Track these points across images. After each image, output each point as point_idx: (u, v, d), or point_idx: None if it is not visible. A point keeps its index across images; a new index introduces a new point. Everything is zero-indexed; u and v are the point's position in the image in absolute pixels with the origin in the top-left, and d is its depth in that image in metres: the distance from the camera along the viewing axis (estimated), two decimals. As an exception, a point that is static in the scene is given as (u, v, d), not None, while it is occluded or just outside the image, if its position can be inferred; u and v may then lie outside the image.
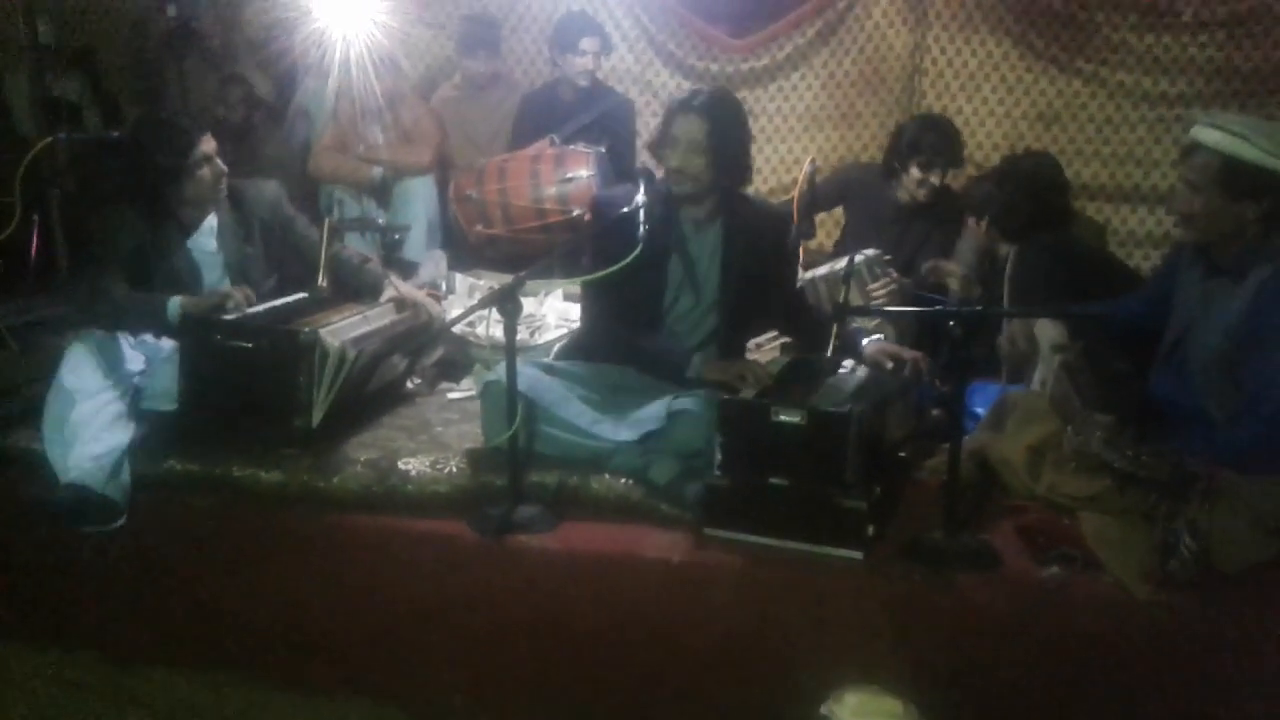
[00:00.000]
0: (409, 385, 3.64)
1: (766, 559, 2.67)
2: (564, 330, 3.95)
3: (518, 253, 4.57)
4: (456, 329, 3.67)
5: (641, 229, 2.91)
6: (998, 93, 5.07)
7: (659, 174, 3.26)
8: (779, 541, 2.68)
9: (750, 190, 3.44)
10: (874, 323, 3.62)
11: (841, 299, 3.16)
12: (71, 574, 3.07)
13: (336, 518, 2.96)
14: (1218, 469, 2.51)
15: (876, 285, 3.98)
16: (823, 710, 2.23)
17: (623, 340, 3.15)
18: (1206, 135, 2.67)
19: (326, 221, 3.66)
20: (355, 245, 4.37)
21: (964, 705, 2.54)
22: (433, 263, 4.73)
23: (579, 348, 3.30)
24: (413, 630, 2.88)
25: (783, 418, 2.64)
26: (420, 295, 3.69)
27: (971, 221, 3.98)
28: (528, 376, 2.94)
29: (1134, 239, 5.03)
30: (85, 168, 4.82)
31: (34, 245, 4.43)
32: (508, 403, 2.78)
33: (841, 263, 3.70)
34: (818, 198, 4.67)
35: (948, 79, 5.11)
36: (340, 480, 2.98)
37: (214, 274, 3.44)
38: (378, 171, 4.90)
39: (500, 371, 2.81)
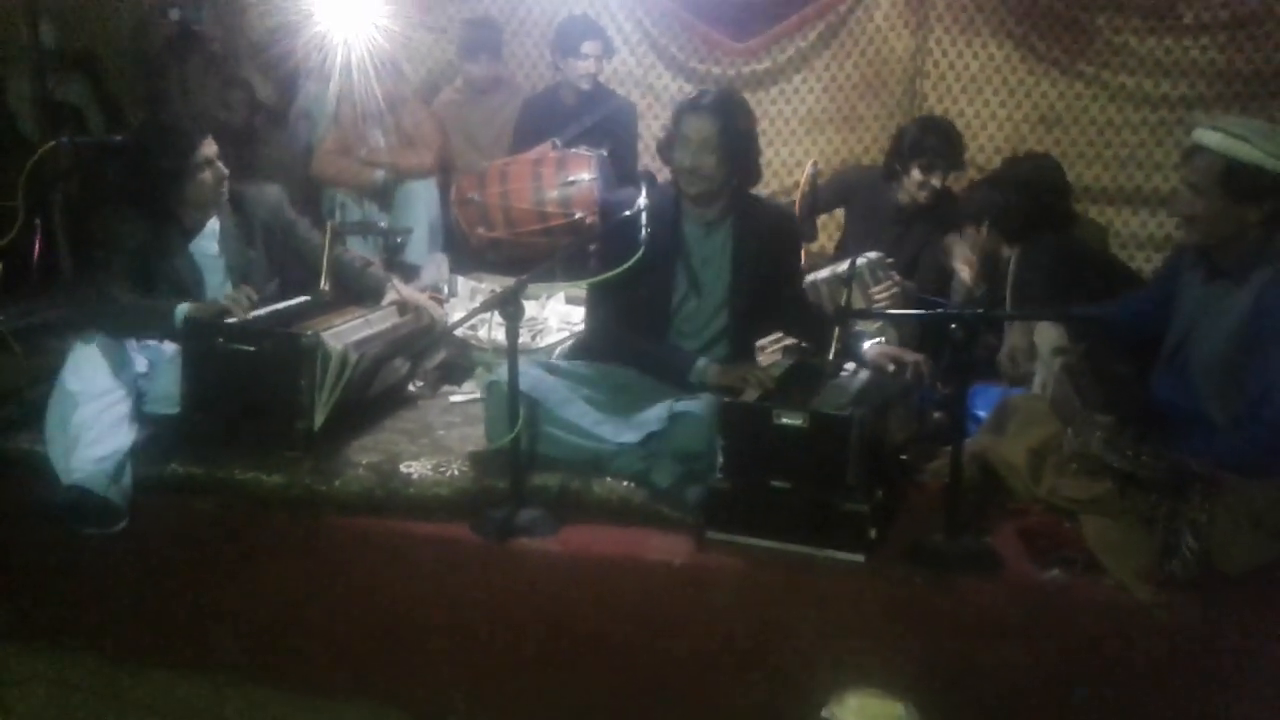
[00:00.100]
0: (411, 388, 3.64)
1: (768, 562, 2.67)
2: (566, 333, 3.95)
3: (520, 256, 4.57)
4: (458, 332, 3.67)
5: (644, 232, 2.92)
6: (999, 95, 5.07)
7: (661, 177, 3.27)
8: (780, 544, 2.68)
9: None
10: (876, 325, 3.62)
11: (843, 302, 3.16)
12: (73, 576, 3.08)
13: (338, 520, 2.96)
14: (1218, 471, 2.50)
15: (879, 288, 3.99)
16: (824, 713, 2.22)
17: (627, 343, 3.15)
18: (1208, 138, 2.67)
19: (329, 225, 3.66)
20: (357, 248, 4.37)
21: (965, 708, 2.54)
22: (435, 266, 4.73)
23: (584, 350, 3.30)
24: (414, 633, 2.89)
25: (784, 421, 2.64)
26: (422, 298, 3.69)
27: (970, 229, 3.98)
28: (531, 376, 2.94)
29: (1136, 241, 5.03)
30: (88, 171, 4.82)
31: (37, 248, 4.42)
32: (509, 406, 2.78)
33: (843, 265, 3.70)
34: (819, 200, 4.68)
35: (949, 82, 5.12)
36: (342, 483, 2.98)
37: (216, 277, 3.44)
38: (380, 175, 4.91)
39: (504, 372, 2.82)
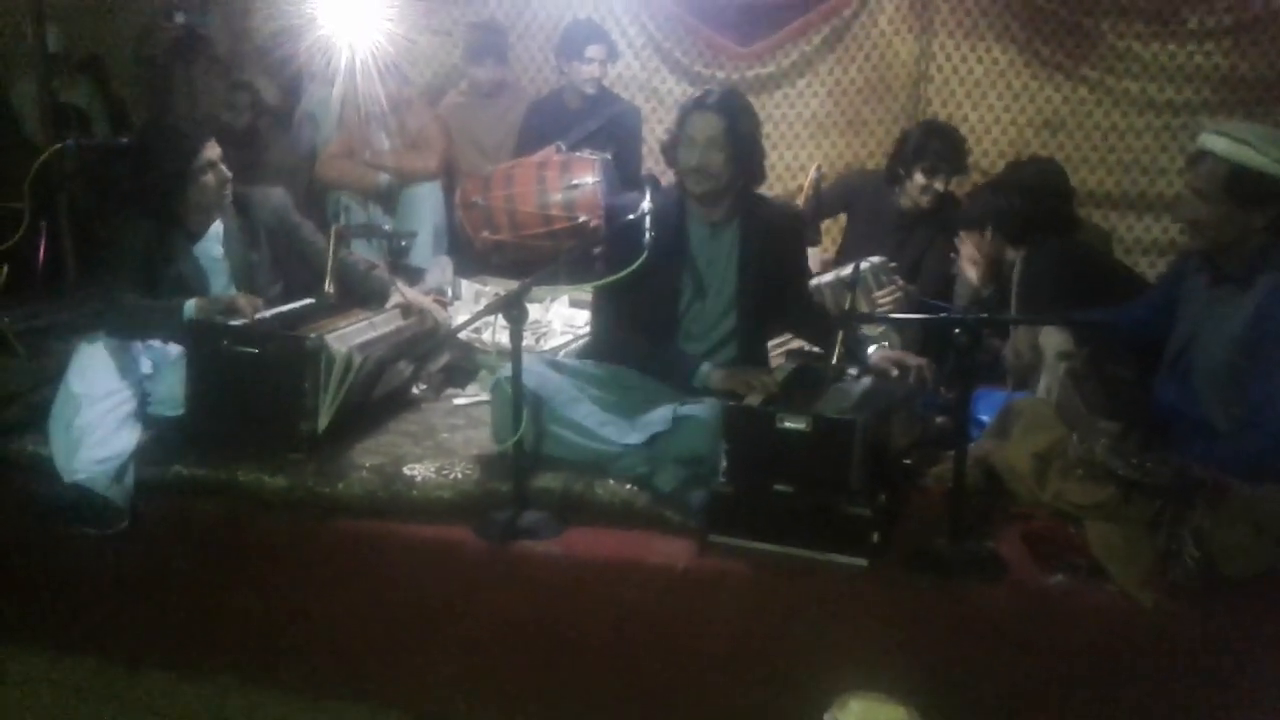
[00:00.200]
0: (415, 391, 3.64)
1: (771, 566, 2.67)
2: (570, 336, 3.96)
3: (524, 259, 4.58)
4: (462, 335, 3.68)
5: (647, 235, 2.92)
6: (1003, 100, 5.07)
7: (665, 181, 3.27)
8: (784, 548, 2.68)
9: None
10: (879, 330, 3.62)
11: (847, 306, 3.16)
12: (76, 577, 3.08)
13: (342, 523, 2.96)
14: (1222, 476, 2.50)
15: (882, 293, 3.99)
16: (826, 717, 2.22)
17: (631, 348, 3.15)
18: (1213, 143, 2.67)
19: (333, 228, 3.67)
20: (362, 251, 4.38)
21: (968, 712, 2.53)
22: (439, 269, 4.74)
23: (590, 354, 3.30)
24: (417, 635, 2.89)
25: (788, 425, 2.64)
26: (426, 301, 3.69)
27: (974, 238, 3.98)
28: (537, 374, 2.95)
29: (1140, 246, 5.03)
30: (93, 174, 4.83)
31: (42, 251, 4.44)
32: (513, 409, 2.78)
33: (847, 270, 3.71)
34: (822, 205, 4.69)
35: (953, 86, 5.12)
36: (345, 486, 2.98)
37: (220, 280, 3.45)
38: (384, 178, 4.91)
39: (510, 372, 2.82)
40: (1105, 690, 2.49)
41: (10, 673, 3.04)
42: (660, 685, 2.73)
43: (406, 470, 3.00)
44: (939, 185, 4.27)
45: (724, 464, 2.71)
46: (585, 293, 3.88)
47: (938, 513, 2.74)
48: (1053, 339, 3.16)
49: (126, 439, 3.06)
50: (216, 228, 3.46)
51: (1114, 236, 4.92)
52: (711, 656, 2.69)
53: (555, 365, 3.13)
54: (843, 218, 4.84)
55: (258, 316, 3.24)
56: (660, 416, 2.90)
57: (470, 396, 3.66)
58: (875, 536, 2.63)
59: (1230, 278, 2.75)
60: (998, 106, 5.08)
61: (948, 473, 2.73)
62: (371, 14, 4.49)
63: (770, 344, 3.67)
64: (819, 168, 4.88)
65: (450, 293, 4.47)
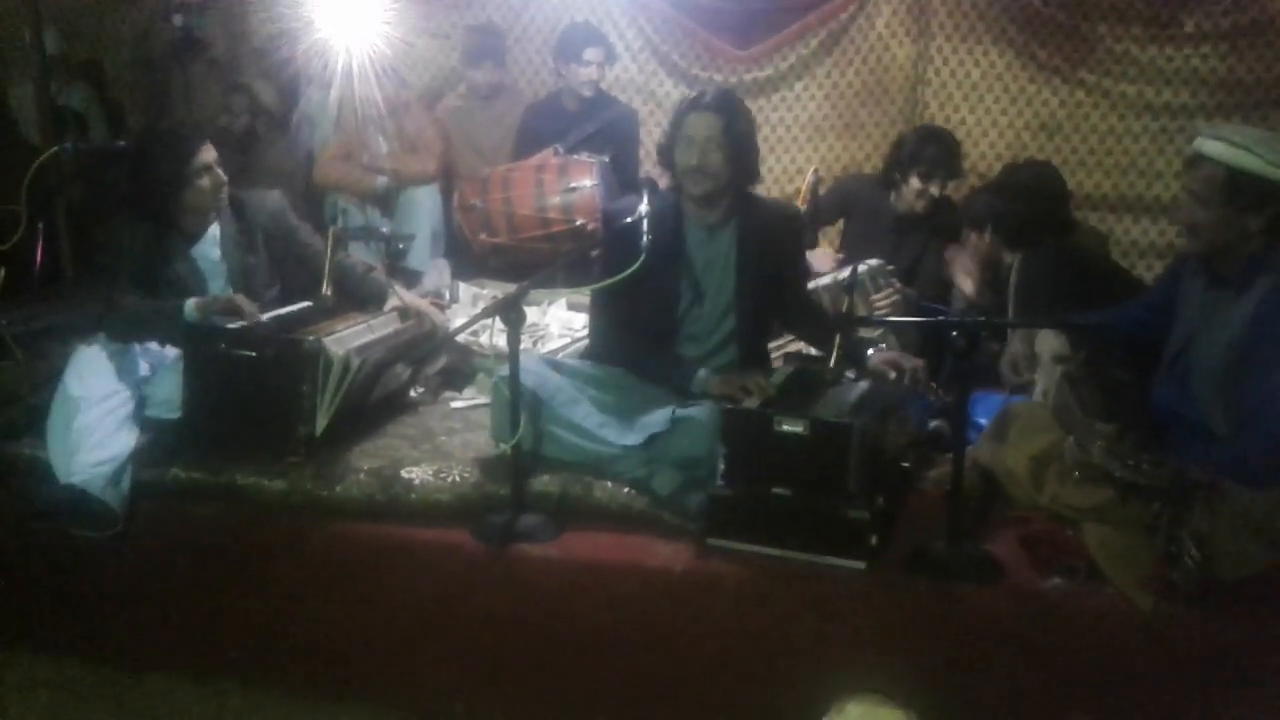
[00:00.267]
0: (412, 394, 3.65)
1: (769, 569, 2.67)
2: (568, 339, 3.96)
3: (521, 262, 4.58)
4: (460, 338, 3.68)
5: (645, 239, 2.92)
6: (1000, 103, 5.07)
7: (662, 184, 3.26)
8: (782, 551, 2.68)
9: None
10: (877, 333, 3.62)
11: (845, 309, 3.16)
12: (75, 581, 3.08)
13: (339, 526, 2.96)
14: (1219, 478, 2.50)
15: (880, 296, 3.99)
16: (825, 720, 2.23)
17: (631, 355, 3.15)
18: (1210, 147, 2.68)
19: (331, 230, 3.67)
20: (359, 254, 4.38)
21: (966, 715, 2.54)
22: (436, 272, 4.74)
23: (590, 358, 3.30)
24: (415, 638, 2.89)
25: (786, 428, 2.64)
26: (424, 304, 3.69)
27: (973, 236, 3.99)
28: (536, 374, 2.95)
29: (1137, 249, 5.03)
30: (90, 177, 4.83)
31: (39, 253, 4.43)
32: (511, 411, 2.78)
33: (845, 273, 3.71)
34: (820, 211, 4.69)
35: (951, 90, 5.12)
36: (343, 489, 2.98)
37: (218, 283, 3.45)
38: (382, 181, 4.91)
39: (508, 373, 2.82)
40: (1103, 693, 2.49)
41: (9, 676, 3.04)
42: (658, 688, 2.73)
43: (404, 473, 3.00)
44: (934, 190, 4.29)
45: (722, 467, 2.71)
46: (583, 296, 3.89)
47: (935, 516, 2.74)
48: (1049, 342, 3.17)
49: (124, 441, 3.06)
50: (214, 230, 3.46)
51: (1111, 239, 4.92)
52: (709, 660, 2.69)
53: (554, 365, 3.13)
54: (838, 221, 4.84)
55: (256, 319, 3.24)
56: (658, 418, 2.90)
57: (468, 399, 3.66)
58: (873, 539, 2.63)
59: (1227, 281, 2.75)
60: (995, 110, 5.08)
61: (945, 476, 2.73)
62: (369, 17, 4.49)
63: (769, 346, 3.68)
64: (816, 171, 4.88)
65: (448, 295, 4.47)
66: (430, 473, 3.01)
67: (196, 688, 2.98)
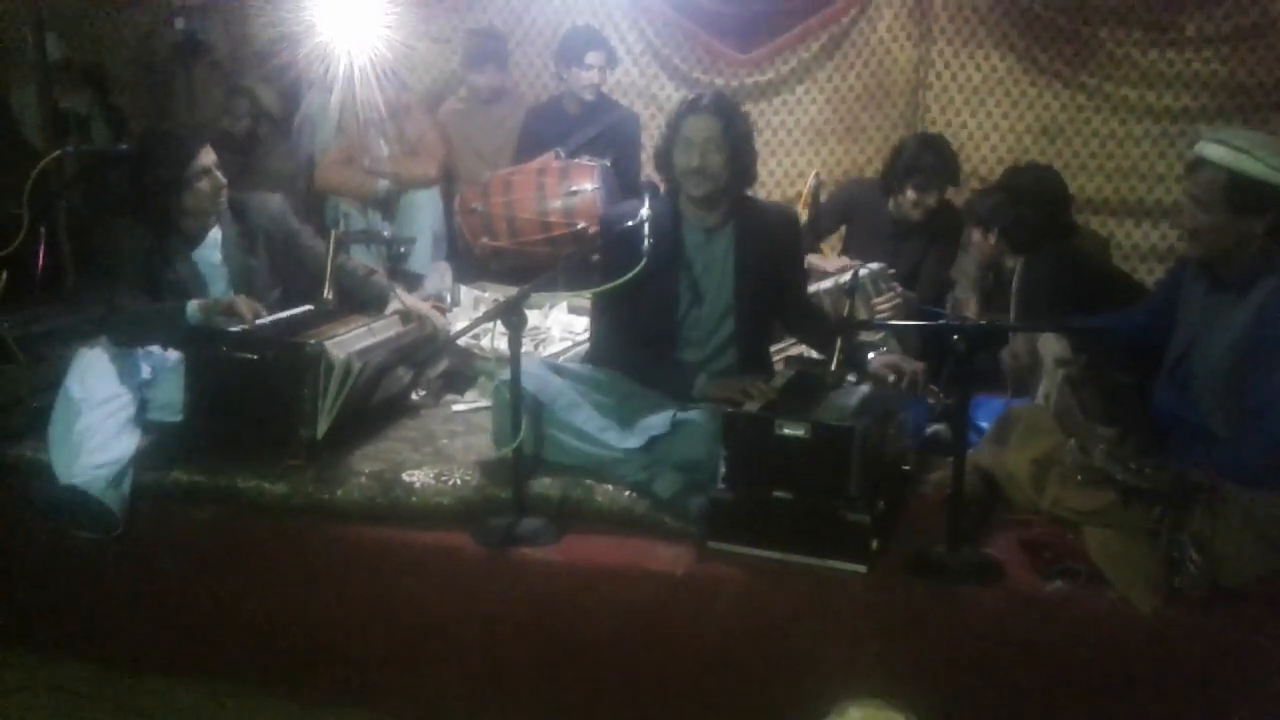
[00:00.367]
0: (414, 397, 3.64)
1: (770, 572, 2.67)
2: (569, 343, 3.96)
3: (523, 265, 4.58)
4: (461, 341, 3.68)
5: (646, 242, 2.92)
6: (1002, 107, 5.07)
7: (663, 187, 3.26)
8: (783, 555, 2.68)
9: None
10: (879, 336, 3.62)
11: (846, 313, 3.16)
12: (75, 583, 3.08)
13: (340, 529, 2.96)
14: (1220, 481, 2.50)
15: (881, 299, 4.00)
16: (825, 724, 2.22)
17: (631, 360, 3.15)
18: (1211, 151, 2.68)
19: (332, 234, 3.67)
20: (361, 258, 4.39)
21: (967, 719, 2.53)
22: (438, 275, 4.75)
23: (590, 363, 3.30)
24: (415, 641, 2.89)
25: (786, 431, 2.64)
26: (425, 307, 3.69)
27: (976, 234, 3.99)
28: (537, 378, 2.95)
29: (1138, 253, 5.03)
30: (92, 180, 4.83)
31: (41, 257, 4.44)
32: (512, 414, 2.79)
33: (846, 277, 3.72)
34: (820, 219, 4.69)
35: (952, 93, 5.13)
36: (344, 492, 2.98)
37: (219, 286, 3.45)
38: (383, 184, 4.92)
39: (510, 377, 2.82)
40: (1104, 696, 2.49)
41: (9, 677, 3.04)
42: (659, 691, 2.73)
43: (405, 476, 3.00)
44: (930, 200, 4.31)
45: (723, 470, 2.71)
46: (584, 299, 3.89)
47: (936, 519, 2.74)
48: (1051, 346, 3.17)
49: (126, 444, 3.07)
50: (215, 234, 3.46)
51: (1112, 243, 4.93)
52: (710, 663, 2.69)
53: (556, 369, 3.13)
54: (843, 219, 4.84)
55: (257, 321, 3.24)
56: (659, 420, 2.90)
57: (469, 403, 3.66)
58: (874, 543, 2.63)
59: (1229, 284, 2.75)
60: (996, 113, 5.09)
61: (946, 479, 2.72)
62: (370, 20, 4.50)
63: (770, 349, 3.68)
64: (817, 174, 4.88)
65: (449, 299, 4.47)
66: (431, 476, 3.01)
67: (196, 689, 2.98)
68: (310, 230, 3.70)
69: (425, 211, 4.93)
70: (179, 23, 5.58)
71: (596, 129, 4.92)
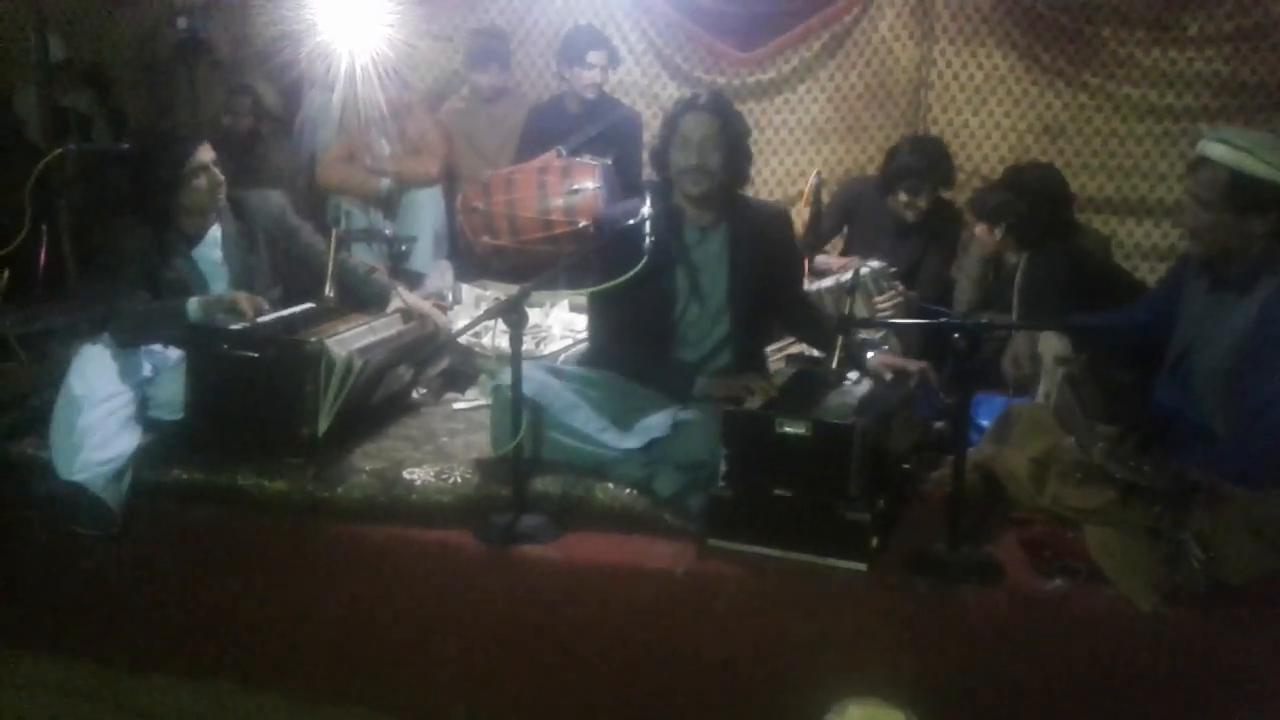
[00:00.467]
0: (415, 395, 3.65)
1: (770, 570, 2.67)
2: (570, 341, 3.96)
3: (524, 264, 4.58)
4: (463, 339, 3.68)
5: (648, 241, 2.92)
6: (1004, 106, 5.07)
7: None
8: (783, 553, 2.68)
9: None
10: (880, 334, 3.62)
11: (847, 311, 3.16)
12: (76, 581, 3.08)
13: (341, 527, 2.97)
14: (1219, 480, 2.50)
15: (882, 298, 3.99)
16: (825, 722, 2.22)
17: (631, 362, 3.15)
18: (1213, 150, 2.68)
19: (333, 232, 3.67)
20: (362, 256, 4.39)
21: (966, 717, 2.53)
22: (439, 273, 4.74)
23: (587, 363, 3.30)
24: (416, 639, 2.88)
25: (787, 429, 2.64)
26: (426, 306, 3.69)
27: (980, 229, 3.99)
28: (536, 381, 2.95)
29: (1140, 252, 5.03)
30: (93, 179, 4.84)
31: (43, 255, 4.45)
32: (512, 413, 2.79)
33: (847, 275, 3.72)
34: (824, 222, 4.69)
35: (954, 92, 5.12)
36: (345, 490, 2.99)
37: (220, 284, 3.45)
38: (385, 183, 4.92)
39: (509, 378, 2.82)
40: (1104, 695, 2.48)
41: (9, 676, 3.04)
42: (659, 690, 2.73)
43: (406, 474, 3.01)
44: (921, 203, 4.31)
45: (723, 468, 2.71)
46: (585, 298, 3.88)
47: (937, 517, 2.74)
48: (1052, 344, 3.17)
49: (127, 441, 3.07)
50: (214, 232, 3.46)
51: (1114, 241, 4.92)
52: (710, 661, 2.68)
53: (554, 372, 3.13)
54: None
55: (258, 319, 3.24)
56: (659, 422, 2.90)
57: (470, 401, 3.66)
58: (874, 541, 2.63)
59: (1230, 283, 2.75)
60: (998, 112, 5.08)
61: (947, 477, 2.73)
62: (372, 19, 4.50)
63: (771, 348, 3.68)
64: (819, 173, 4.87)
65: (450, 297, 4.47)
66: (432, 474, 3.01)
67: (196, 688, 2.97)
68: (310, 227, 3.70)
69: (427, 210, 4.94)
70: (180, 22, 5.58)
71: (598, 128, 4.91)
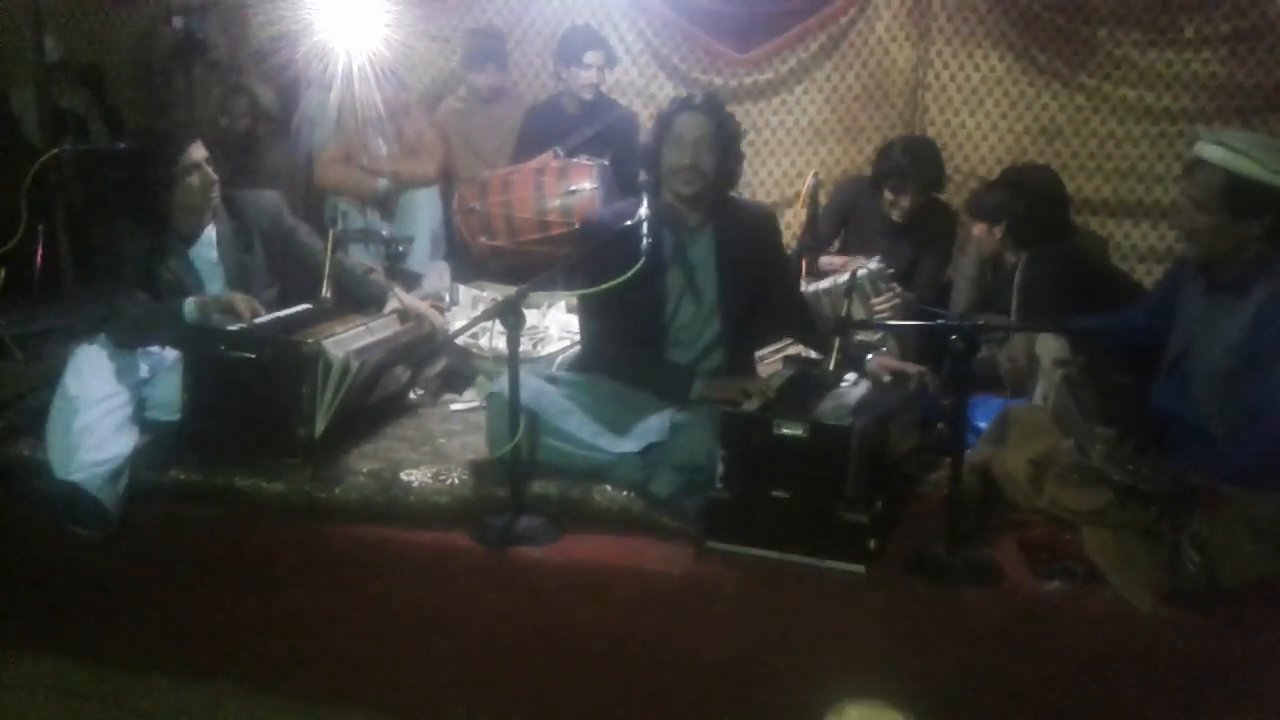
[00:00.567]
0: (412, 396, 3.64)
1: (768, 572, 2.67)
2: (567, 342, 3.96)
3: (521, 265, 4.58)
4: (460, 340, 3.68)
5: (645, 242, 2.92)
6: (1000, 107, 5.07)
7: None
8: (780, 555, 2.67)
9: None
10: (878, 335, 3.62)
11: (844, 313, 3.16)
12: (75, 582, 3.08)
13: (338, 528, 2.96)
14: (1218, 483, 2.50)
15: (880, 299, 4.00)
16: (823, 724, 2.22)
17: (625, 365, 3.14)
18: (1210, 152, 2.68)
19: (331, 232, 3.67)
20: (359, 257, 4.38)
21: (965, 719, 2.54)
22: (436, 274, 4.74)
23: (579, 367, 3.30)
24: (413, 641, 2.89)
25: (785, 431, 2.64)
26: (423, 306, 3.69)
27: (978, 229, 3.99)
28: (531, 388, 2.94)
29: (1136, 253, 5.03)
30: (90, 179, 4.84)
31: (39, 255, 4.44)
32: (510, 415, 2.78)
33: (844, 276, 3.72)
34: (822, 224, 4.69)
35: (950, 94, 5.12)
36: (342, 491, 2.98)
37: (215, 284, 3.44)
38: (382, 183, 4.92)
39: (505, 382, 2.82)
40: (1102, 696, 2.49)
41: (9, 676, 3.04)
42: (657, 692, 2.73)
43: (403, 475, 3.00)
44: (905, 204, 4.31)
45: (721, 470, 2.70)
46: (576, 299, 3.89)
47: (935, 519, 2.73)
48: (1049, 346, 3.17)
49: (123, 442, 3.06)
50: (210, 232, 3.46)
51: (1111, 243, 4.93)
52: (708, 663, 2.69)
53: (548, 379, 3.12)
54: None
55: (255, 320, 3.24)
56: (656, 425, 2.90)
57: (467, 402, 3.66)
58: (872, 543, 2.62)
59: (1227, 286, 2.75)
60: (995, 114, 5.08)
61: (945, 479, 2.72)
62: (369, 20, 4.50)
63: (768, 349, 3.68)
64: (816, 174, 4.88)
65: (447, 298, 4.47)
66: (429, 475, 3.01)
67: (196, 688, 2.98)
68: (307, 227, 3.69)
69: (424, 211, 4.94)
70: (177, 22, 5.58)
71: (595, 128, 4.92)
